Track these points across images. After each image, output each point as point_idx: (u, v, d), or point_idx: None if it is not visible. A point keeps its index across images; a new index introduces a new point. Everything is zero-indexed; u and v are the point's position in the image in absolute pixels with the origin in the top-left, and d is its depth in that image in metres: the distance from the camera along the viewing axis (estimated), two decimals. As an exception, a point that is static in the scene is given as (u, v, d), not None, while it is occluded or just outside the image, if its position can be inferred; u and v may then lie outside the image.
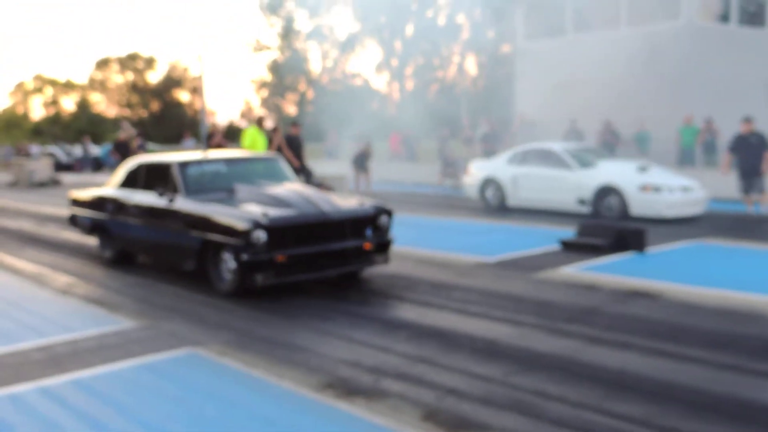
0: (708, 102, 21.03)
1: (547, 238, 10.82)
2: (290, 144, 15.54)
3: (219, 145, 16.91)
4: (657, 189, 12.67)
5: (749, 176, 13.16)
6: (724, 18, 22.49)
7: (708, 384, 4.91)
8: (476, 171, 15.94)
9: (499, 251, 9.97)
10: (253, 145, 14.78)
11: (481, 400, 4.71)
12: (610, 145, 19.77)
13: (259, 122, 15.61)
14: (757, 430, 4.20)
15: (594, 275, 8.40)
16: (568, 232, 10.91)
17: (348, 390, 4.94)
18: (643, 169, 13.26)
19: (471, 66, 62.52)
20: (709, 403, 4.58)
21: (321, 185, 12.99)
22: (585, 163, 13.85)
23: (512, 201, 14.90)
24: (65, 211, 16.60)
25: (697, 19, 21.22)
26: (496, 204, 15.20)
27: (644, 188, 12.71)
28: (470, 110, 33.98)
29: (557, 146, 14.76)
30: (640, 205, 12.71)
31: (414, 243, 10.50)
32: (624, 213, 12.81)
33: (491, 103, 36.49)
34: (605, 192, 13.16)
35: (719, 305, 6.94)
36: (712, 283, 7.84)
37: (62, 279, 8.98)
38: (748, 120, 13.35)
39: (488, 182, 15.40)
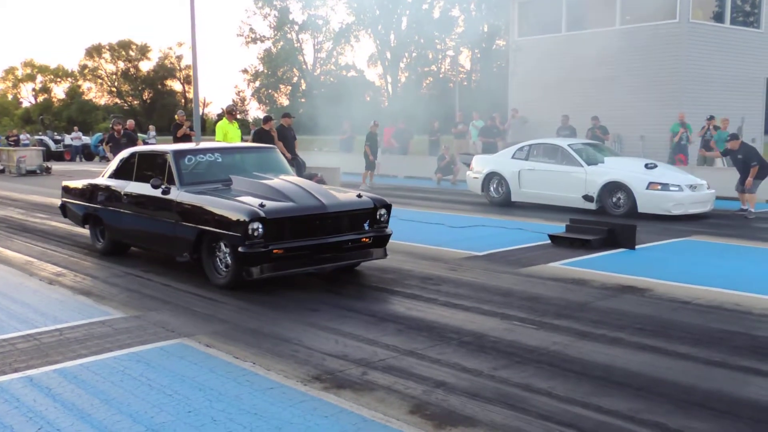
0: (703, 100, 21.10)
1: (541, 233, 10.82)
2: (282, 135, 15.46)
3: (186, 136, 16.78)
4: (665, 186, 12.60)
5: (741, 182, 13.33)
6: (719, 17, 22.55)
7: (694, 380, 4.93)
8: (480, 165, 15.70)
9: (490, 246, 9.98)
10: (225, 138, 14.59)
11: (468, 393, 4.71)
12: (599, 140, 19.75)
13: (230, 114, 15.37)
14: (742, 426, 4.21)
15: (584, 271, 8.41)
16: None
17: (335, 382, 4.93)
18: (650, 167, 13.17)
19: (465, 60, 62.54)
20: (696, 399, 4.60)
21: (313, 177, 12.96)
22: (592, 160, 13.72)
23: (517, 196, 14.75)
24: (54, 200, 16.52)
25: (691, 18, 21.25)
26: (500, 199, 15.02)
27: (652, 185, 12.65)
28: (463, 104, 33.92)
29: (564, 142, 14.62)
30: (647, 203, 12.63)
31: (404, 237, 10.48)
32: (631, 210, 12.73)
33: (485, 97, 36.51)
34: (612, 189, 13.09)
35: (707, 302, 6.96)
36: (700, 279, 7.87)
37: (50, 268, 8.94)
38: (734, 137, 13.45)
39: (492, 177, 15.21)
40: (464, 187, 19.31)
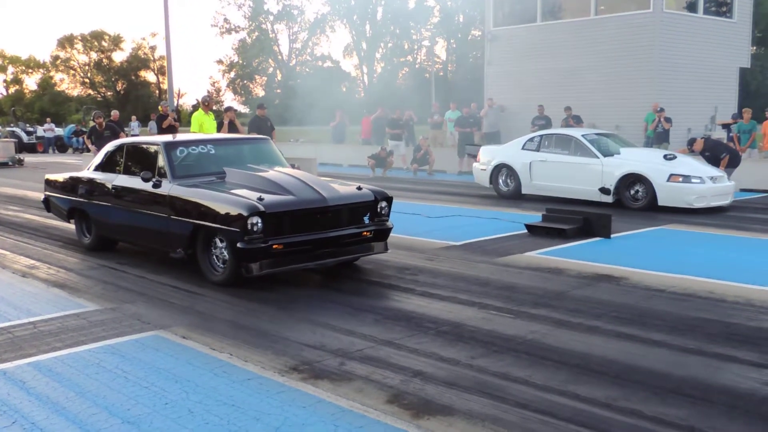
0: (676, 89, 21.29)
1: (518, 223, 10.86)
2: (257, 126, 15.39)
3: (171, 127, 16.68)
4: (686, 178, 12.14)
5: None
6: (692, 7, 22.74)
7: (670, 367, 4.97)
8: (487, 156, 15.01)
9: (467, 235, 10.00)
10: (201, 129, 14.50)
11: (446, 382, 4.72)
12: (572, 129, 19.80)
13: (205, 104, 15.26)
14: (716, 413, 4.26)
15: (560, 260, 8.46)
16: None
17: (313, 373, 4.92)
18: (669, 158, 12.72)
19: (441, 50, 62.62)
20: (671, 386, 4.64)
21: (292, 168, 12.88)
22: (607, 150, 13.15)
23: (528, 189, 14.14)
24: (28, 192, 16.33)
25: (665, 8, 21.40)
26: (509, 192, 14.42)
27: (673, 177, 12.17)
28: (439, 95, 33.93)
29: (577, 132, 14.04)
30: (668, 196, 12.16)
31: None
32: (651, 203, 12.30)
33: (461, 88, 36.56)
34: (631, 181, 12.58)
35: (681, 290, 7.03)
36: (675, 268, 7.94)
37: (23, 261, 8.82)
38: (692, 141, 13.64)
39: (501, 169, 14.55)
40: (440, 177, 19.38)
